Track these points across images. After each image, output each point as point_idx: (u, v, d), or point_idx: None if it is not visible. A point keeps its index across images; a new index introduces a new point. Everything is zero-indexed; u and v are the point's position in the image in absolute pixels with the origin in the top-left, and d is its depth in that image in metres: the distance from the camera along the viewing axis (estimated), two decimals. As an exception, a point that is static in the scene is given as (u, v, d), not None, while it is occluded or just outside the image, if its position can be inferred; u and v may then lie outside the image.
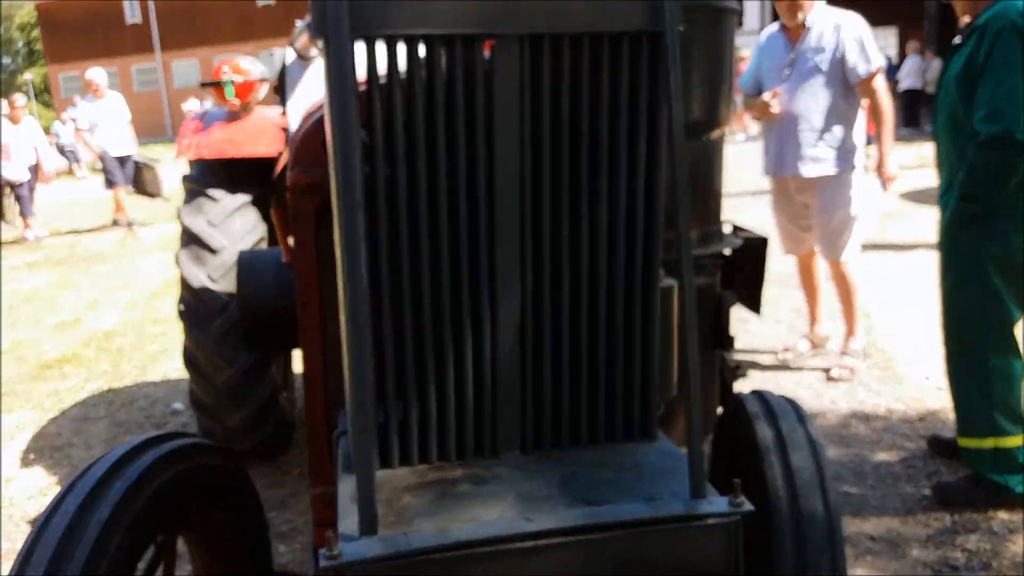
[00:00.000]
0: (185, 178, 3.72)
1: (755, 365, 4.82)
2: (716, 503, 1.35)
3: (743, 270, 3.63)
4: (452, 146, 1.40)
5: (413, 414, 1.48)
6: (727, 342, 3.29)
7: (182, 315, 3.48)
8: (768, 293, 3.81)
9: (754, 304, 3.74)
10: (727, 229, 3.45)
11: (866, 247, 5.80)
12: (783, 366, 4.78)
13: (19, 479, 3.83)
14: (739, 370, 3.49)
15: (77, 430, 4.37)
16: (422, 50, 1.36)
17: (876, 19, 7.46)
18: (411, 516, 1.35)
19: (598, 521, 1.30)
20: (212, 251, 3.45)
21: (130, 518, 1.52)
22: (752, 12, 18.47)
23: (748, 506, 1.35)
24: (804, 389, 4.38)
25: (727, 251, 3.31)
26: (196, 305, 3.41)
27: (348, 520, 1.31)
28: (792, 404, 2.22)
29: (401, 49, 1.35)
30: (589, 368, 1.55)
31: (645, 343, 1.57)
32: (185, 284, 3.46)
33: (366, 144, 1.37)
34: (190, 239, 3.52)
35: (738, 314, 3.52)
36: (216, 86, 3.54)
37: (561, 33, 1.39)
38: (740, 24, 2.73)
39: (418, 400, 1.48)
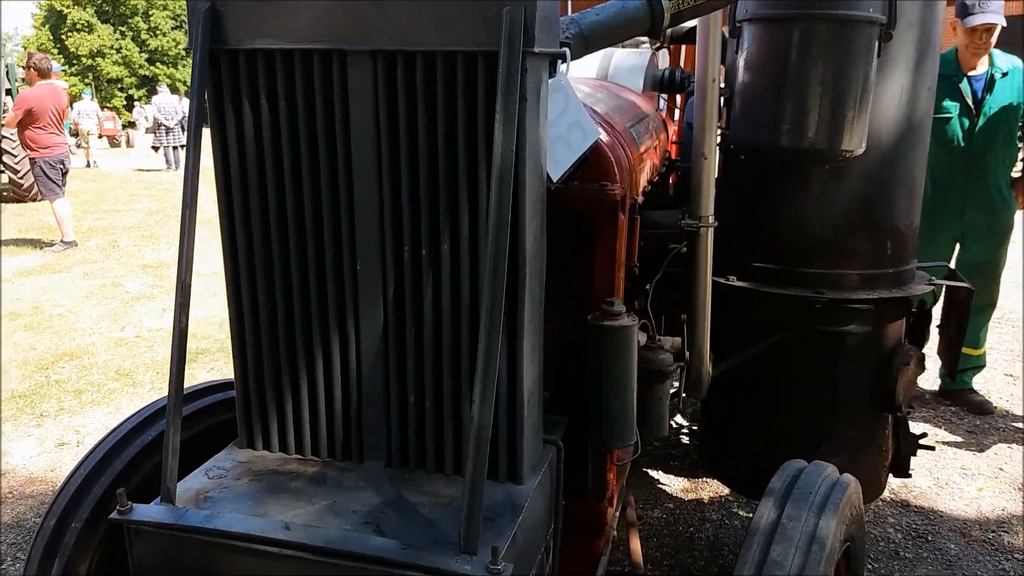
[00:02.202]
0: None
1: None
2: (475, 564, 1.25)
3: (948, 325, 3.02)
4: (313, 158, 1.45)
5: (276, 405, 1.58)
6: (898, 405, 2.77)
7: None
8: None
9: (950, 365, 3.11)
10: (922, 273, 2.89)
11: None
12: None
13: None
14: (922, 440, 2.94)
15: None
16: (292, 63, 1.43)
17: None
18: (225, 496, 1.46)
19: (339, 548, 1.29)
20: None
21: None
22: None
23: (507, 573, 1.23)
24: None
25: (918, 296, 2.78)
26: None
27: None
28: (835, 486, 1.88)
29: (262, 61, 1.43)
30: (452, 395, 1.50)
31: (510, 378, 1.47)
32: None
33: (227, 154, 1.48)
34: None
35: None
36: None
37: (412, 51, 1.36)
38: (888, 37, 2.26)
39: (283, 393, 1.58)
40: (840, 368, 2.77)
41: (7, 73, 13.00)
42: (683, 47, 3.81)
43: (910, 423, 3.02)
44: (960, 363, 4.50)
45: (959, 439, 4.22)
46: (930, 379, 4.74)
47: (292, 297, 1.52)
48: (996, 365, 5.23)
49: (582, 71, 3.02)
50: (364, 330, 1.51)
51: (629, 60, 2.96)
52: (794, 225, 2.71)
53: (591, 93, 2.24)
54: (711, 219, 2.23)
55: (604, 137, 1.79)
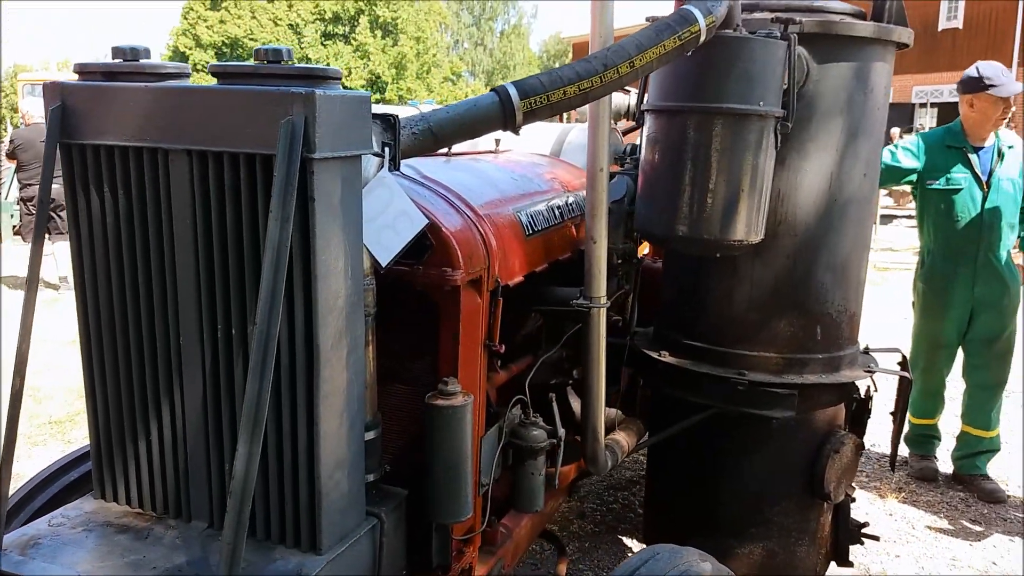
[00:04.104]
0: None
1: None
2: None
3: (895, 412, 2.96)
4: (144, 243, 1.62)
5: (121, 461, 1.74)
6: (828, 492, 2.72)
7: None
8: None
9: (891, 454, 3.02)
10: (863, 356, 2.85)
11: None
12: None
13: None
14: (864, 529, 2.87)
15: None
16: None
17: None
18: (52, 544, 1.62)
19: None
20: None
21: None
22: None
23: None
24: None
25: (846, 382, 2.75)
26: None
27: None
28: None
29: (104, 156, 1.61)
30: (263, 465, 1.62)
31: (309, 448, 1.57)
32: None
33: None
34: None
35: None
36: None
37: (219, 151, 1.51)
38: (785, 128, 2.29)
39: (126, 451, 1.73)
40: (767, 451, 2.74)
41: None
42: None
43: (852, 509, 2.95)
44: (971, 446, 4.34)
45: (958, 528, 4.02)
46: (946, 462, 4.56)
47: (131, 366, 1.68)
48: (1024, 451, 4.96)
49: (535, 147, 3.14)
50: (188, 399, 1.65)
51: (581, 137, 3.06)
52: (723, 305, 2.73)
53: (484, 177, 2.35)
54: (603, 299, 2.29)
55: (453, 225, 1.90)
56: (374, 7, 36.31)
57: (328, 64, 35.20)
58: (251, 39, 35.42)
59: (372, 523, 1.73)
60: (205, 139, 1.51)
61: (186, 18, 36.49)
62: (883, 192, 13.19)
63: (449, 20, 50.26)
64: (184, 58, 36.15)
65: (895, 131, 18.20)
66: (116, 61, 1.62)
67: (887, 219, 15.38)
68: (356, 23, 36.30)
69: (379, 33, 36.76)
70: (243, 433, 1.39)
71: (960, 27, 24.48)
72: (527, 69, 55.49)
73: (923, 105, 20.27)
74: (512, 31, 55.65)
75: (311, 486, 1.59)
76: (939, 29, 24.76)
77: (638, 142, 3.40)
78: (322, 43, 36.15)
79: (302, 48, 35.77)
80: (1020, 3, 22.37)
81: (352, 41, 36.14)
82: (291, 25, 35.94)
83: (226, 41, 35.72)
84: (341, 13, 36.44)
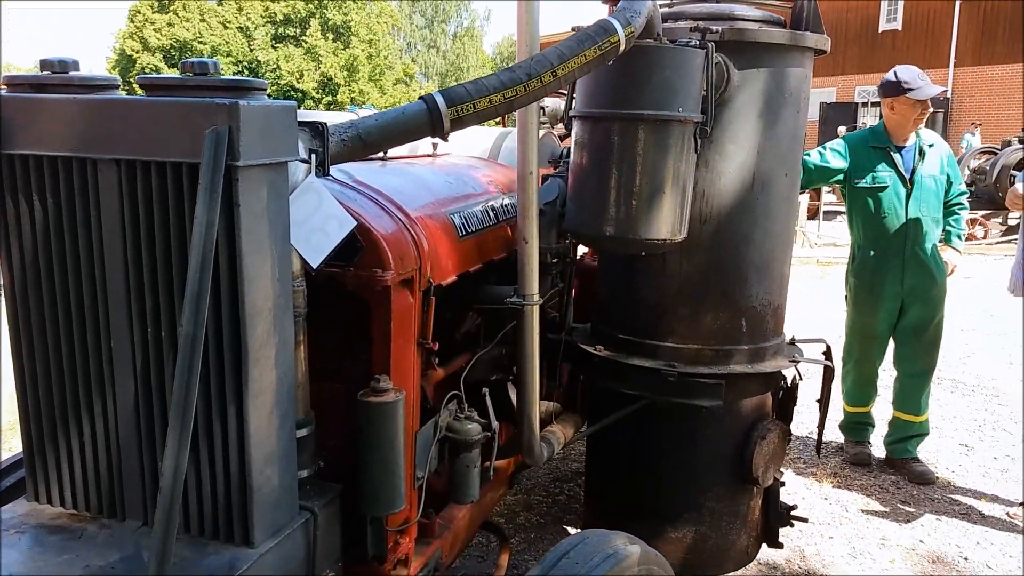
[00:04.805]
0: None
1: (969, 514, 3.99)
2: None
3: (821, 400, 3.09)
4: (75, 251, 1.66)
5: (54, 463, 1.77)
6: (756, 477, 2.85)
7: None
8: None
9: (817, 440, 3.17)
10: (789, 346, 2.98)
11: None
12: (1008, 524, 3.95)
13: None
14: (792, 512, 3.00)
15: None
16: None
17: None
18: (-14, 546, 1.65)
19: None
20: None
21: None
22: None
23: None
24: (1008, 559, 3.52)
25: (788, 372, 2.88)
26: None
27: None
28: (609, 558, 1.99)
29: (33, 165, 1.65)
30: (194, 463, 1.67)
31: (239, 444, 1.63)
32: None
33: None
34: None
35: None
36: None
37: (147, 160, 1.56)
38: (704, 133, 2.40)
39: (59, 452, 1.76)
40: (697, 440, 2.86)
41: None
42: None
43: (783, 492, 3.08)
44: (902, 431, 4.53)
45: (888, 509, 4.20)
46: (880, 447, 4.74)
47: (63, 369, 1.72)
48: (954, 434, 5.17)
49: (474, 150, 3.22)
50: (120, 401, 1.69)
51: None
52: (653, 301, 2.83)
53: (418, 180, 2.42)
54: (535, 297, 2.38)
55: (384, 228, 1.96)
56: (325, 10, 36.05)
57: (279, 66, 34.89)
58: (200, 42, 34.91)
59: (305, 517, 1.79)
60: (134, 149, 1.56)
61: (133, 21, 35.79)
62: (826, 189, 13.52)
63: (401, 23, 50.07)
64: (132, 62, 35.47)
65: (841, 129, 18.68)
66: (45, 73, 1.66)
67: (830, 215, 15.75)
68: (307, 26, 35.98)
69: (330, 36, 36.50)
70: (171, 431, 1.44)
71: (899, 28, 25.20)
72: (481, 71, 55.52)
73: (866, 104, 20.81)
74: (465, 33, 55.64)
75: (242, 482, 1.65)
76: (880, 30, 25.45)
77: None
78: (272, 46, 35.76)
79: (252, 51, 35.34)
80: (956, 4, 23.10)
81: (303, 44, 35.81)
82: (241, 28, 35.48)
83: (175, 44, 35.14)
84: (292, 16, 36.09)
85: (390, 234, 1.98)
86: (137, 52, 35.30)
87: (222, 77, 1.56)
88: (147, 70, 34.70)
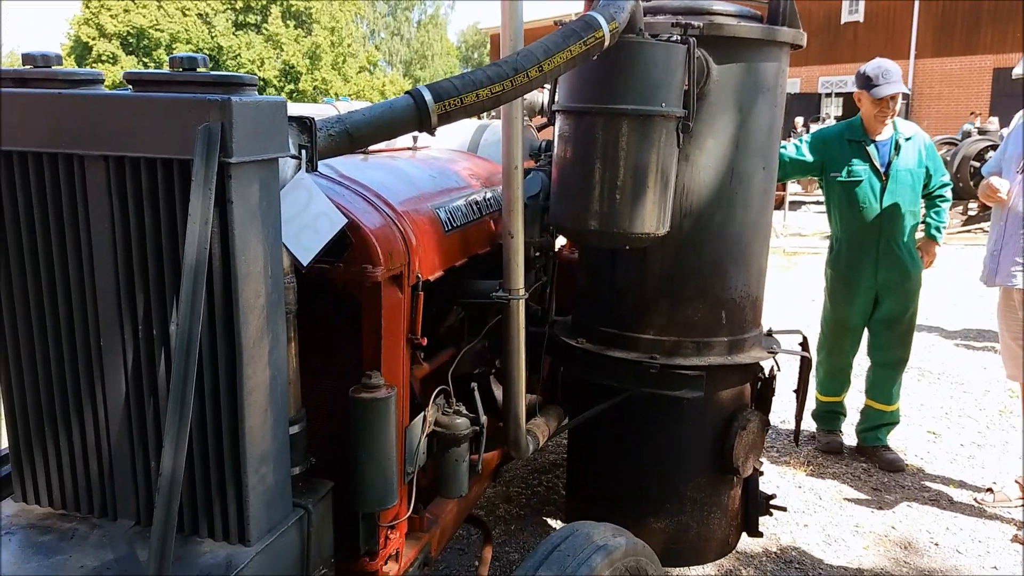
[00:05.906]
0: None
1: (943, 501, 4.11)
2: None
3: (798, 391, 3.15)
4: (62, 248, 1.63)
5: (43, 463, 1.74)
6: (737, 467, 2.89)
7: None
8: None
9: (794, 430, 3.23)
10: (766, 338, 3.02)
11: None
12: (976, 510, 4.06)
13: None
14: (772, 501, 3.05)
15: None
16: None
17: None
18: (-27, 550, 1.62)
19: None
20: None
21: None
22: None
23: None
24: (977, 544, 3.61)
25: (766, 363, 2.92)
26: None
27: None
28: (599, 550, 2.01)
29: (18, 162, 1.61)
30: (188, 461, 1.65)
31: (233, 442, 1.61)
32: None
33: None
34: None
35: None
36: None
37: (136, 156, 1.53)
38: (686, 128, 2.43)
39: (47, 452, 1.74)
40: (678, 430, 2.89)
41: None
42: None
43: (761, 482, 3.13)
44: (874, 420, 4.62)
45: (861, 496, 4.28)
46: (851, 436, 4.83)
47: (50, 367, 1.69)
48: (922, 422, 5.29)
49: (452, 143, 3.21)
50: (110, 399, 1.67)
51: (497, 133, 3.14)
52: (634, 294, 2.86)
53: (403, 175, 2.41)
54: (521, 292, 2.38)
55: (372, 224, 1.96)
56: (286, -3, 35.60)
57: (239, 54, 34.37)
58: (157, 29, 34.25)
59: (299, 514, 1.79)
60: (122, 145, 1.53)
61: (88, 6, 34.97)
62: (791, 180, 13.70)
63: (364, 10, 49.58)
64: (87, 48, 34.69)
65: (798, 120, 18.90)
66: (27, 68, 1.62)
67: (796, 205, 15.97)
68: (268, 13, 35.47)
69: (292, 23, 36.02)
70: (169, 430, 1.42)
71: (861, 20, 25.56)
72: (445, 59, 55.23)
73: (828, 95, 21.13)
74: (429, 21, 55.29)
75: (237, 480, 1.64)
76: (842, 22, 25.80)
77: (552, 138, 3.51)
78: (233, 33, 35.20)
79: (213, 38, 34.75)
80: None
81: (264, 31, 35.31)
82: (200, 15, 34.86)
83: (131, 31, 34.43)
84: (252, 2, 35.56)
85: (379, 230, 1.97)
86: (93, 39, 34.56)
87: (212, 72, 1.54)
88: (104, 57, 33.98)
